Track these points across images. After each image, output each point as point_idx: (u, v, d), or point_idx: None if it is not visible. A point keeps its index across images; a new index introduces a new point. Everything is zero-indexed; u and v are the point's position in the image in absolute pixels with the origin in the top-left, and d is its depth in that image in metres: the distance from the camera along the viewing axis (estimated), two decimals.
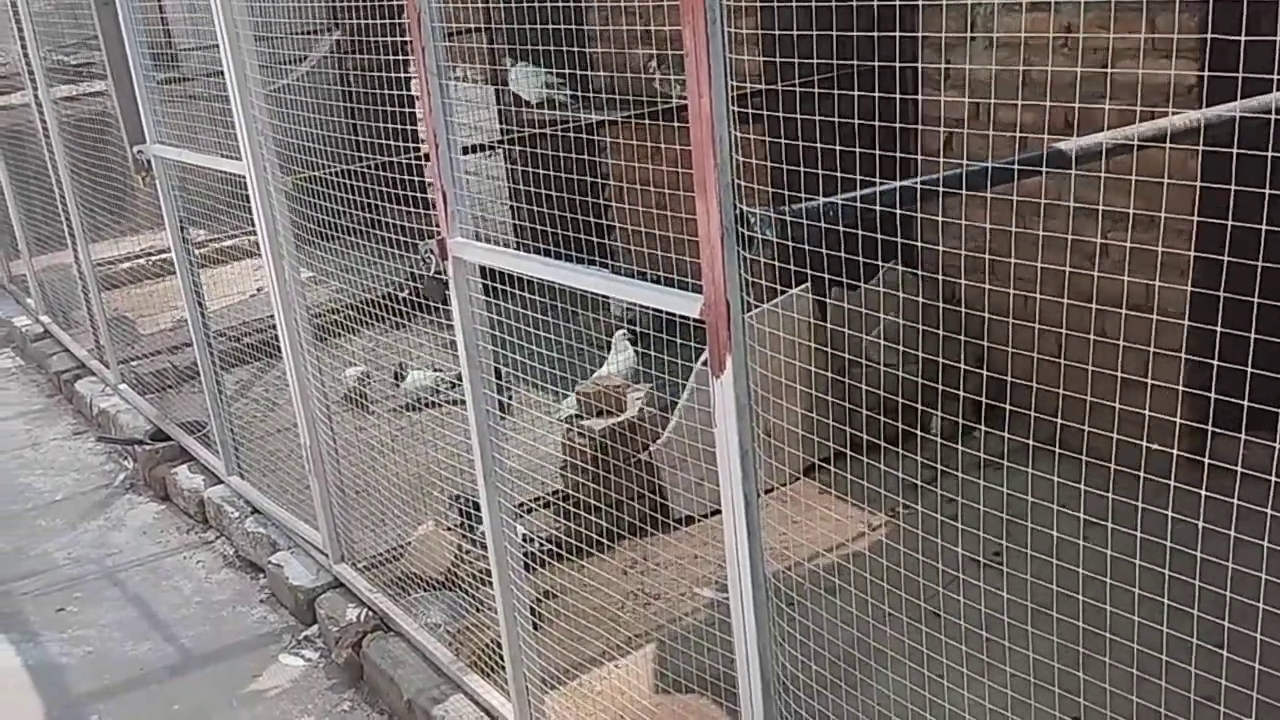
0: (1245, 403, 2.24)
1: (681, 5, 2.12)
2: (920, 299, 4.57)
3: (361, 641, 4.24)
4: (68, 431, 6.88)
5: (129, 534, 5.58)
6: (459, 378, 5.53)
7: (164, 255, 6.19)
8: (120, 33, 4.85)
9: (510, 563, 3.41)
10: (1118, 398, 2.74)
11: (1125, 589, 2.54)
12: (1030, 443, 2.91)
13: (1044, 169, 2.41)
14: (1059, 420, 2.66)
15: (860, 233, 2.54)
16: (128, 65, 4.89)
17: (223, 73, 4.10)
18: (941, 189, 2.20)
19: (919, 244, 5.18)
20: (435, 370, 5.87)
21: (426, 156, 3.03)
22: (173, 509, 5.76)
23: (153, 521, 5.68)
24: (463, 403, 3.29)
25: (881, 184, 2.23)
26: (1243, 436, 2.48)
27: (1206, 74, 4.04)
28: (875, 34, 3.93)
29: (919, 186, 2.19)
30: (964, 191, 2.33)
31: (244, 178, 4.25)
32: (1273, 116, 2.31)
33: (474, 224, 3.09)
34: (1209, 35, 3.78)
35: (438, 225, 3.06)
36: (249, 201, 4.29)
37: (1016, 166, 2.29)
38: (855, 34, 3.59)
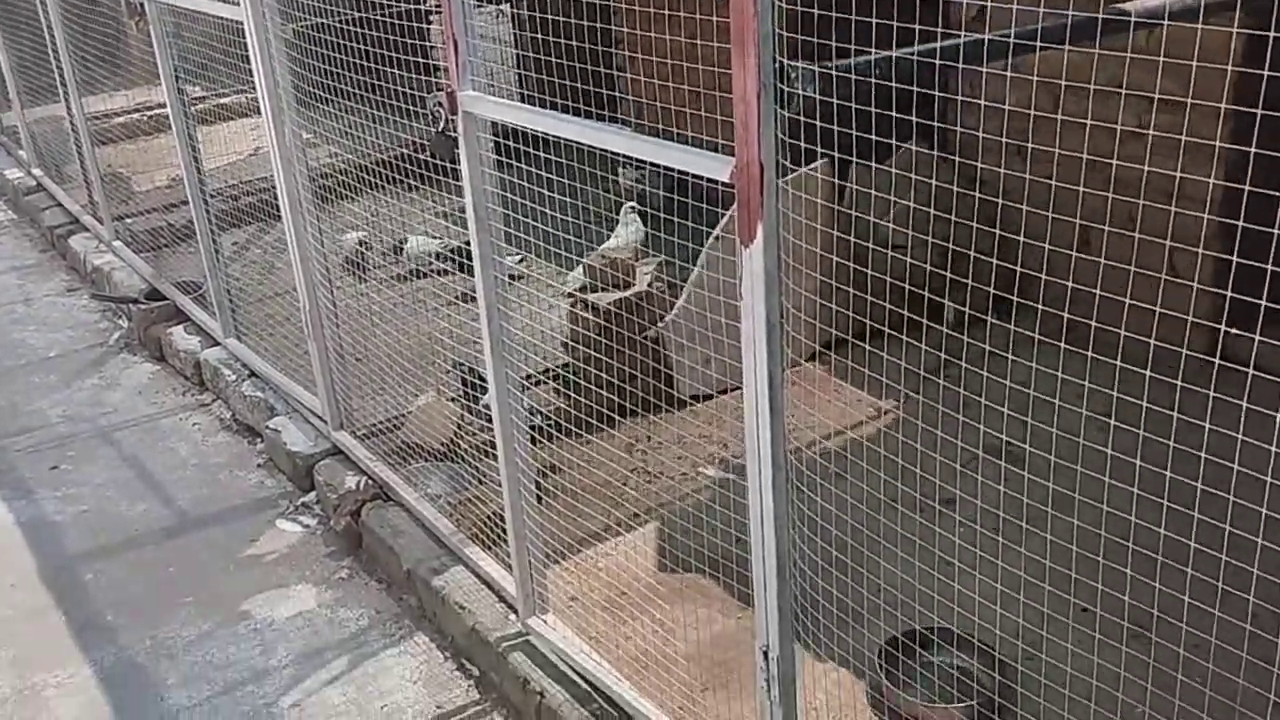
0: (1264, 302, 2.11)
1: None
2: (934, 180, 4.40)
3: (360, 510, 4.17)
4: (61, 288, 6.74)
5: (124, 393, 5.49)
6: (455, 251, 5.44)
7: (160, 111, 5.97)
8: None
9: (515, 435, 3.31)
10: (1129, 291, 2.60)
11: (1127, 489, 2.45)
12: (1038, 336, 2.79)
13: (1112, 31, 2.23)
14: (1066, 315, 2.53)
15: (880, 111, 2.36)
16: None
17: None
18: (985, 52, 2.02)
19: (938, 123, 4.97)
20: (436, 238, 5.71)
21: (438, 4, 2.83)
22: (168, 370, 5.66)
23: (148, 382, 5.58)
24: (463, 272, 3.15)
25: (935, 43, 2.06)
26: (1257, 337, 2.36)
27: None
28: None
29: (985, 43, 2.01)
30: (1006, 63, 2.14)
31: (241, 24, 4.03)
32: None
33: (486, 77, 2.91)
34: None
35: (448, 77, 2.87)
36: (247, 52, 4.07)
37: (1092, 15, 2.10)
38: None
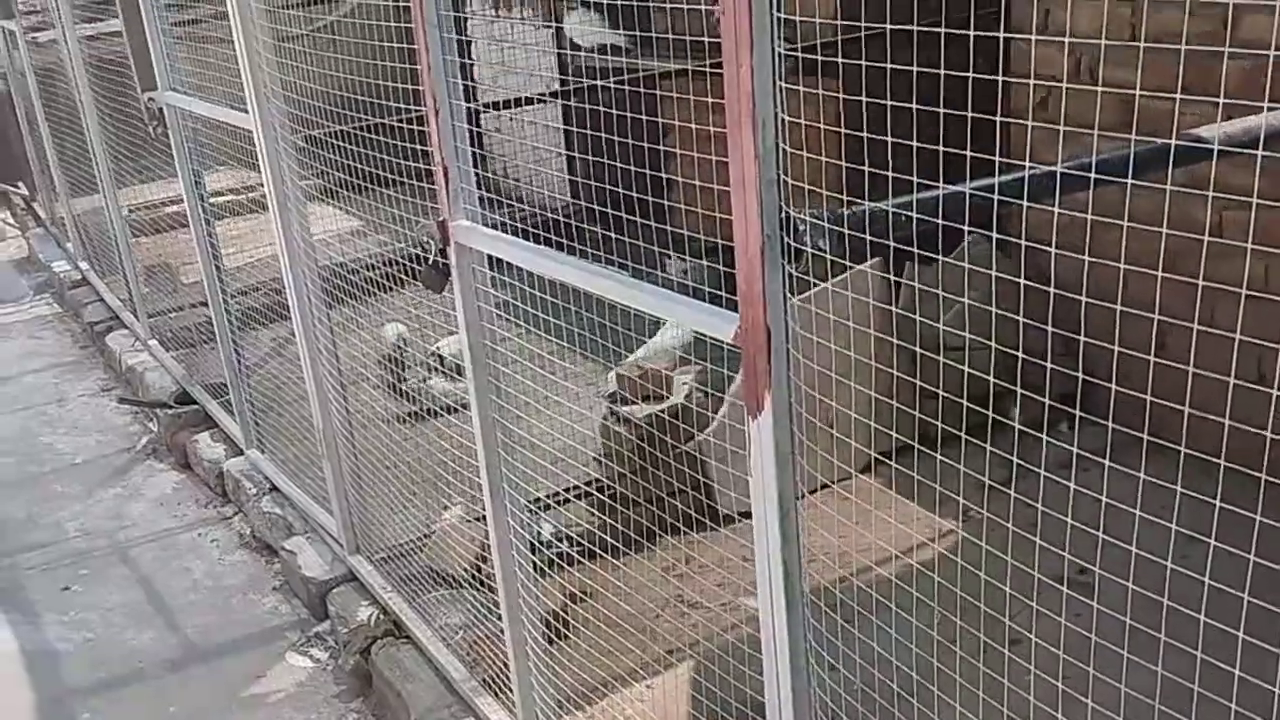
0: None
1: None
2: (998, 275, 4.05)
3: (371, 647, 3.88)
4: (96, 388, 6.61)
5: (145, 505, 5.28)
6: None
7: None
8: None
9: (518, 571, 3.00)
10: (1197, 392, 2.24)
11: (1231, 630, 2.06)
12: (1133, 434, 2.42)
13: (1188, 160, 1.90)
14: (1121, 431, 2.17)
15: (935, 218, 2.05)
16: (138, 5, 4.48)
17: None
18: (1024, 201, 1.70)
19: (998, 215, 4.63)
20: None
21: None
22: (193, 479, 5.45)
23: (171, 492, 5.37)
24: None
25: (965, 163, 1.74)
26: None
27: None
28: None
29: (995, 196, 1.70)
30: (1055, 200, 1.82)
31: (251, 132, 3.84)
32: None
33: (519, 179, 2.65)
34: None
35: (439, 203, 2.61)
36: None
37: (1161, 155, 1.78)
38: None
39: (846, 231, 1.64)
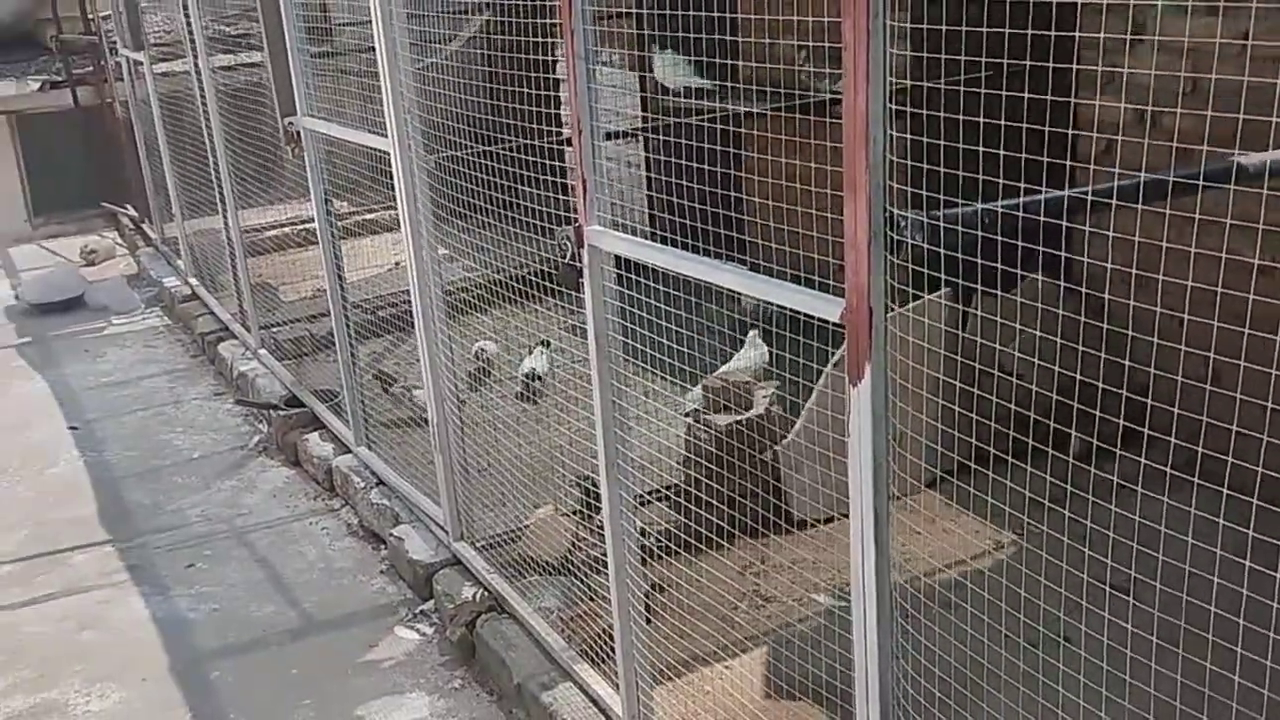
0: None
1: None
2: (1066, 311, 4.39)
3: (476, 621, 4.26)
4: (208, 392, 7.10)
5: (259, 496, 5.73)
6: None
7: (308, 225, 6.32)
8: (278, 6, 4.95)
9: (627, 555, 3.37)
10: (1266, 428, 2.56)
11: (1262, 633, 2.38)
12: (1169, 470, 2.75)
13: (1227, 184, 2.25)
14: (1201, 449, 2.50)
15: (1005, 240, 2.41)
16: (283, 38, 4.98)
17: (374, 49, 4.14)
18: (1113, 200, 2.07)
19: (1064, 254, 4.96)
20: (546, 348, 5.86)
21: (569, 141, 3.00)
22: (302, 474, 5.89)
23: (283, 485, 5.82)
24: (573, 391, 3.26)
25: (1039, 192, 2.11)
26: None
27: None
28: (1030, 32, 3.76)
29: (1089, 196, 2.06)
30: (1139, 205, 2.18)
31: (389, 154, 4.29)
32: None
33: (611, 212, 3.05)
34: None
35: (576, 211, 3.02)
36: (392, 177, 4.33)
37: (1201, 181, 2.14)
38: (1008, 31, 3.43)
39: (943, 225, 2.01)
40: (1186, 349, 2.76)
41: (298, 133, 5.11)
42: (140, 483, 5.97)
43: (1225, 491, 2.53)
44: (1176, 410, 2.68)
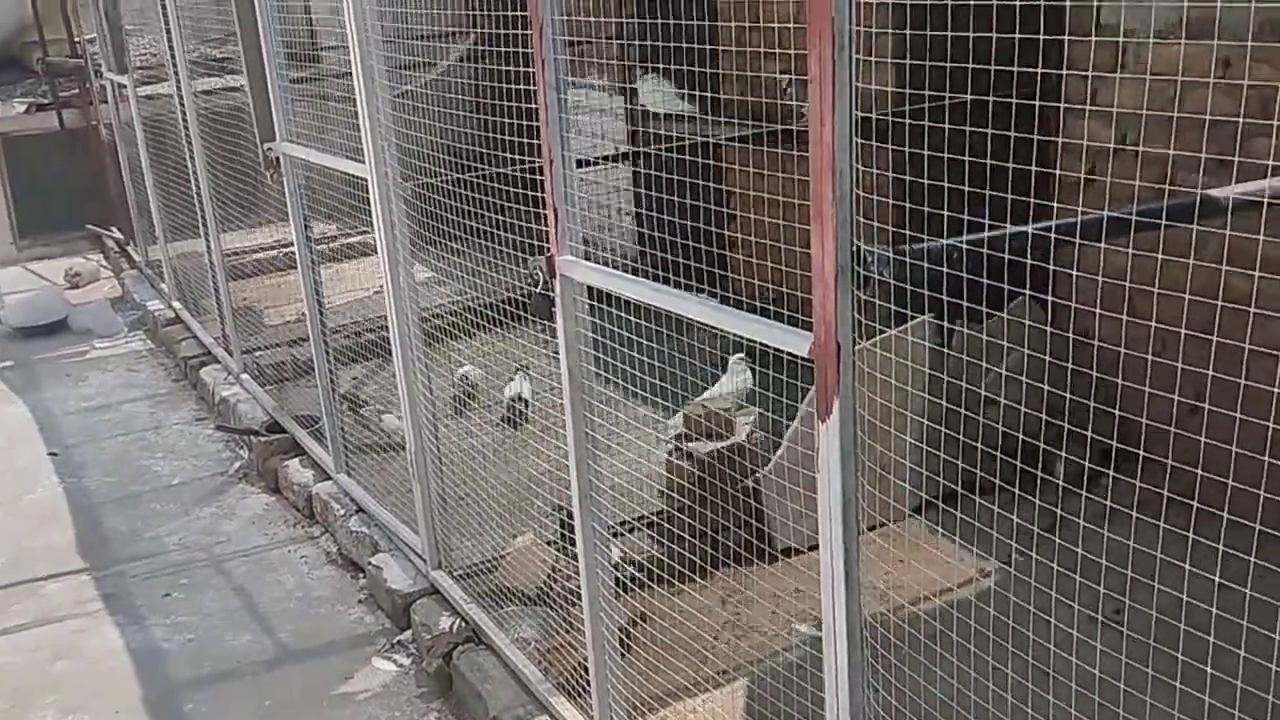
0: None
1: (809, 29, 2.02)
2: (1047, 342, 4.36)
3: (453, 652, 4.21)
4: (189, 417, 7.05)
5: (239, 523, 5.68)
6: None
7: (291, 249, 6.30)
8: (257, 31, 4.93)
9: (601, 588, 3.33)
10: (1230, 449, 2.54)
11: (1260, 663, 2.35)
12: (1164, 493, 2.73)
13: (1197, 219, 2.23)
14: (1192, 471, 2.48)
15: (983, 273, 2.39)
16: (263, 63, 4.96)
17: (350, 75, 4.13)
18: (1077, 238, 2.05)
19: (1048, 289, 4.95)
20: (528, 377, 5.84)
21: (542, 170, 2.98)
22: (282, 501, 5.84)
23: (262, 512, 5.77)
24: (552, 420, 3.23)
25: (1009, 227, 2.09)
26: None
27: None
28: (1016, 66, 3.76)
29: (1051, 234, 2.04)
30: (1101, 243, 2.17)
31: (365, 180, 4.27)
32: None
33: (583, 242, 3.03)
34: None
35: (548, 241, 3.00)
36: (369, 204, 4.31)
37: (1164, 218, 2.12)
38: (993, 68, 3.42)
39: (908, 261, 1.98)
40: (1152, 356, 2.74)
41: (277, 158, 5.09)
42: (119, 509, 5.92)
43: (1227, 516, 2.50)
44: (1173, 430, 2.65)
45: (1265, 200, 2.22)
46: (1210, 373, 2.67)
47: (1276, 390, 2.70)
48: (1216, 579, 2.39)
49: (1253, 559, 2.36)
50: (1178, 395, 2.70)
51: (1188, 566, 2.46)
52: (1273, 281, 3.99)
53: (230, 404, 6.71)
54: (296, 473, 5.78)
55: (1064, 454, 4.36)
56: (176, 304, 8.46)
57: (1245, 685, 2.33)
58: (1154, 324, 2.67)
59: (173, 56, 6.80)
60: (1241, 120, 3.51)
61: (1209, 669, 2.47)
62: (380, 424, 5.77)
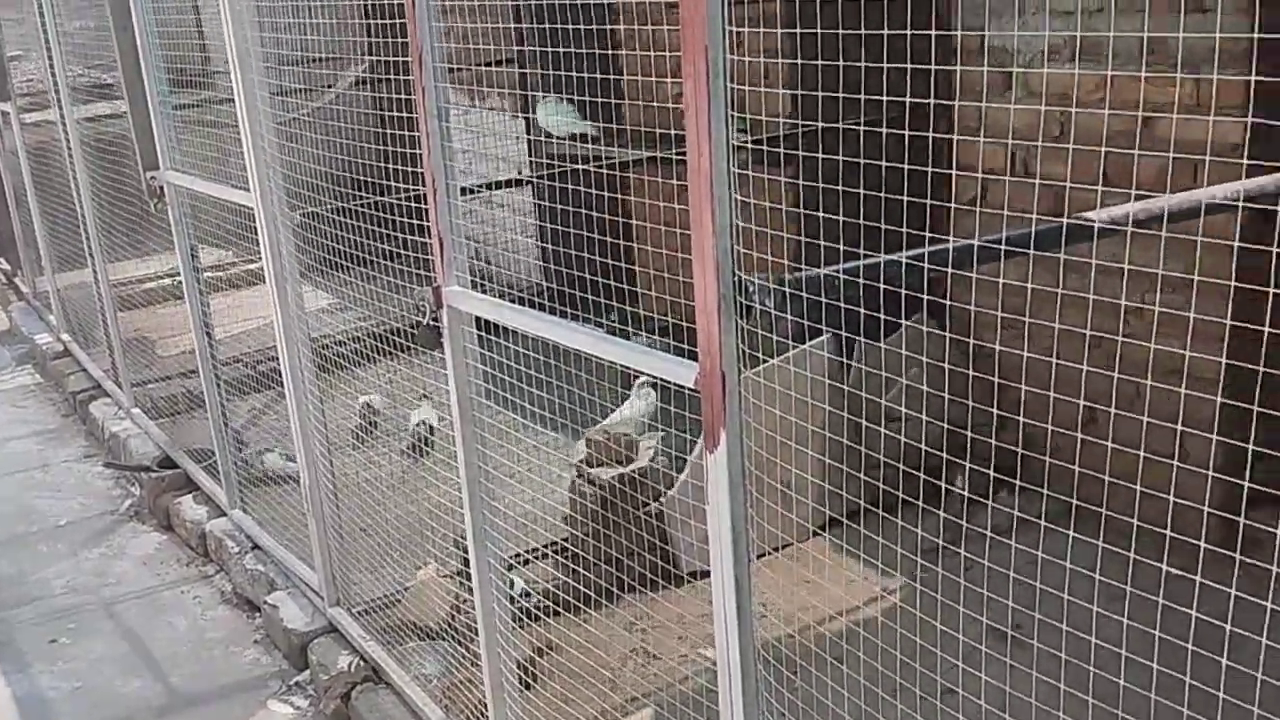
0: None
1: (684, 57, 1.99)
2: (946, 356, 4.40)
3: (351, 692, 4.10)
4: (79, 454, 6.81)
5: (129, 564, 5.48)
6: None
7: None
8: (137, 57, 4.79)
9: (497, 622, 3.26)
10: (1133, 472, 2.56)
11: (1157, 670, 2.36)
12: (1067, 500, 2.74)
13: (1077, 242, 2.25)
14: (1058, 496, 2.49)
15: (875, 302, 2.38)
16: (144, 90, 4.81)
17: (233, 101, 4.02)
18: (949, 269, 2.04)
19: (947, 301, 5.01)
20: (436, 407, 5.75)
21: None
22: (175, 539, 5.66)
23: (154, 552, 5.58)
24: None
25: (885, 256, 2.08)
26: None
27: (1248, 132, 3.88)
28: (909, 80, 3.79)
29: (925, 265, 2.04)
30: (973, 273, 2.17)
31: (252, 209, 4.16)
32: None
33: (489, 261, 2.97)
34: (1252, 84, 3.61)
35: (434, 271, 2.93)
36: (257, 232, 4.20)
37: (1031, 248, 2.13)
38: (886, 86, 3.45)
39: (788, 291, 1.96)
40: (1059, 396, 2.76)
41: (161, 186, 4.94)
42: (3, 552, 5.69)
43: (1102, 544, 2.51)
44: (1087, 447, 2.67)
45: (1164, 217, 2.24)
46: (1116, 374, 2.70)
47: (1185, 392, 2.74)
48: (1129, 588, 2.40)
49: (1164, 566, 2.37)
50: (1082, 401, 2.73)
51: (1098, 576, 2.47)
52: (1168, 295, 4.08)
53: (121, 439, 6.49)
54: (189, 509, 5.60)
55: (967, 465, 4.43)
56: (65, 336, 8.19)
57: (1158, 696, 2.35)
58: (1054, 357, 2.69)
59: (55, 83, 6.58)
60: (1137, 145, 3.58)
61: (1121, 681, 2.48)
62: (261, 464, 5.61)
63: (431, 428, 5.71)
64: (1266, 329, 2.08)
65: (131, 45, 4.76)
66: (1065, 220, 2.17)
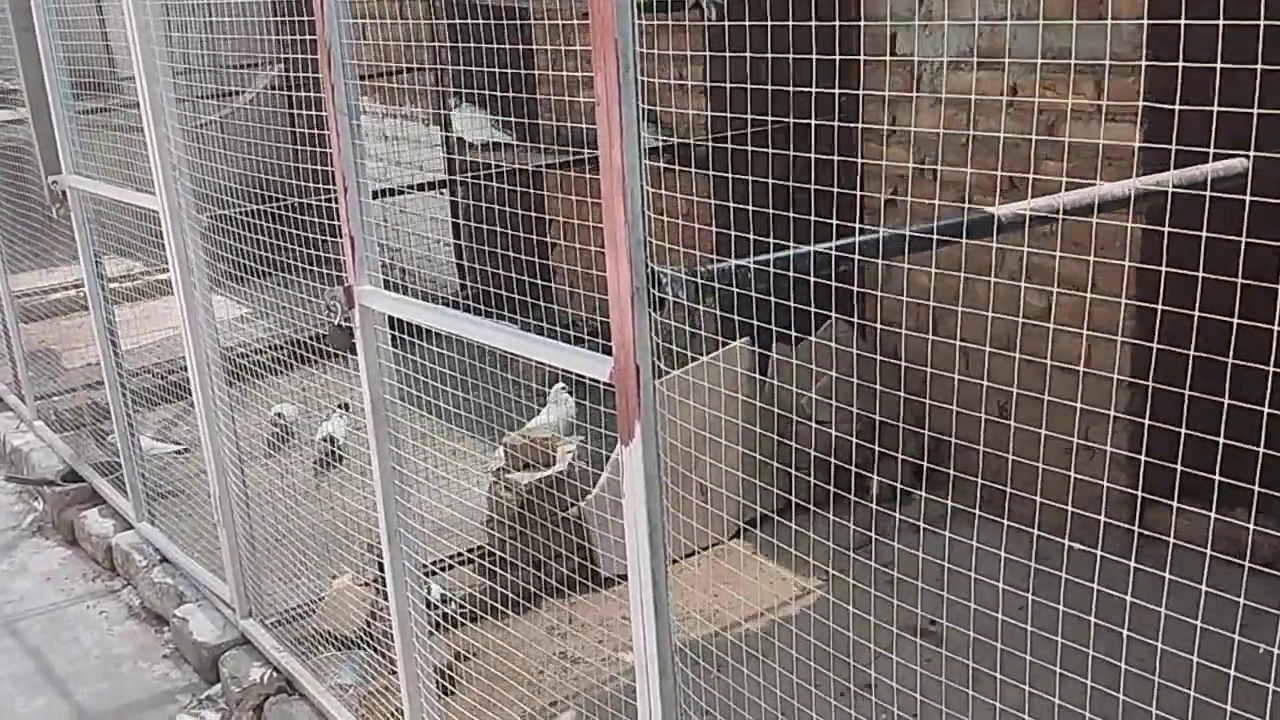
0: (1178, 468, 2.15)
1: (594, 51, 2.00)
2: (859, 358, 4.46)
3: (264, 704, 4.02)
4: None
5: (32, 580, 5.32)
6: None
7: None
8: (39, 61, 4.67)
9: (414, 628, 3.23)
10: (1035, 461, 2.62)
11: (1052, 668, 2.41)
12: (970, 508, 2.79)
13: (985, 236, 2.30)
14: (986, 484, 2.54)
15: (788, 294, 2.41)
16: (45, 94, 4.70)
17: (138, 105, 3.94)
18: (856, 256, 2.08)
19: (857, 298, 5.08)
20: (346, 411, 5.68)
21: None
22: (80, 554, 5.51)
23: (58, 567, 5.42)
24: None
25: (797, 247, 2.11)
26: (1175, 505, 2.39)
27: (1139, 142, 4.00)
28: (815, 89, 3.85)
29: (833, 252, 2.06)
30: (877, 260, 2.21)
31: (158, 213, 4.08)
32: (1206, 192, 2.22)
33: (405, 265, 2.95)
34: (1142, 100, 3.73)
35: (345, 271, 2.90)
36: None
37: (935, 235, 2.17)
38: (793, 89, 3.49)
39: (700, 283, 1.98)
40: (967, 379, 2.81)
41: (63, 192, 4.82)
42: None
43: (1007, 525, 2.57)
44: (981, 447, 2.72)
45: (1060, 215, 2.29)
46: (1014, 389, 2.75)
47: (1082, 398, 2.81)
48: (1029, 595, 2.45)
49: (1063, 573, 2.43)
50: (984, 411, 2.78)
51: (1001, 585, 2.52)
52: (1067, 299, 4.18)
53: (23, 453, 6.31)
54: (95, 523, 5.46)
55: (875, 476, 4.49)
56: None
57: (1065, 672, 2.40)
58: (958, 341, 2.74)
59: None
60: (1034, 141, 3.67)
61: (1026, 687, 2.54)
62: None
63: (335, 440, 5.65)
64: (1160, 315, 2.15)
65: (33, 47, 4.64)
66: (966, 211, 2.22)
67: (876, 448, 3.07)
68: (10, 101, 6.80)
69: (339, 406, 5.68)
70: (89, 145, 4.93)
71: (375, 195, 3.10)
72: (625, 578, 4.47)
